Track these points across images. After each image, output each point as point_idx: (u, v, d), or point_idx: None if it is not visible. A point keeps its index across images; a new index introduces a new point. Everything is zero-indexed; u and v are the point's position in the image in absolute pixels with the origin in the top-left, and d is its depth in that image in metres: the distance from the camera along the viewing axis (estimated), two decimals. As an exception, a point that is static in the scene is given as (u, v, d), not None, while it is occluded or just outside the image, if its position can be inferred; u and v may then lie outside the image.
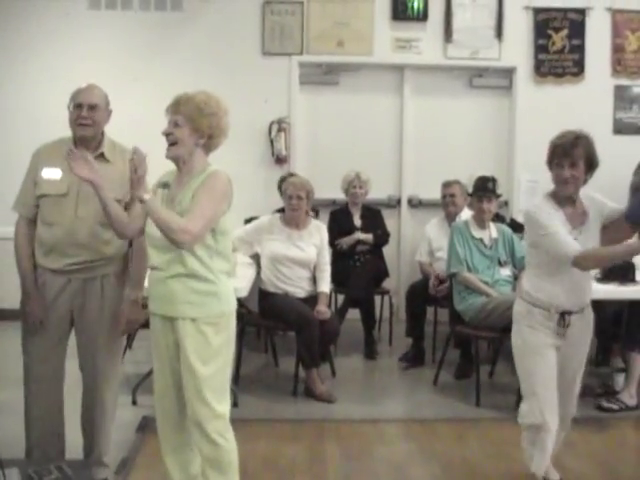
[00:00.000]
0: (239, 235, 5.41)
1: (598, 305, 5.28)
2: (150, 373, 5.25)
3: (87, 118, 3.49)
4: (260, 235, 5.52)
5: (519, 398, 4.90)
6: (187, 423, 3.24)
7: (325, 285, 5.49)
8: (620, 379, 5.27)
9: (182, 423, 3.27)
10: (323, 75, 7.44)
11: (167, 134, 3.19)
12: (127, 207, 3.54)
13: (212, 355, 3.13)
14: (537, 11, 7.40)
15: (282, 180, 6.08)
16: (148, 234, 3.18)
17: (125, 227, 3.32)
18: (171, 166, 3.29)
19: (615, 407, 5.06)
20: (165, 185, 3.27)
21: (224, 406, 3.20)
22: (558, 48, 7.45)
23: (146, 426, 4.62)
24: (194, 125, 3.16)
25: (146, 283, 3.45)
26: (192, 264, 3.09)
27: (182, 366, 3.14)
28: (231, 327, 3.24)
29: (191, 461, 3.32)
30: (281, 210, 5.80)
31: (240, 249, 5.44)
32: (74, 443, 3.73)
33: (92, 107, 3.50)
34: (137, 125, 6.65)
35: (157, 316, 3.21)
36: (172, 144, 3.18)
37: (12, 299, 7.06)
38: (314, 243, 5.54)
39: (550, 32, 7.43)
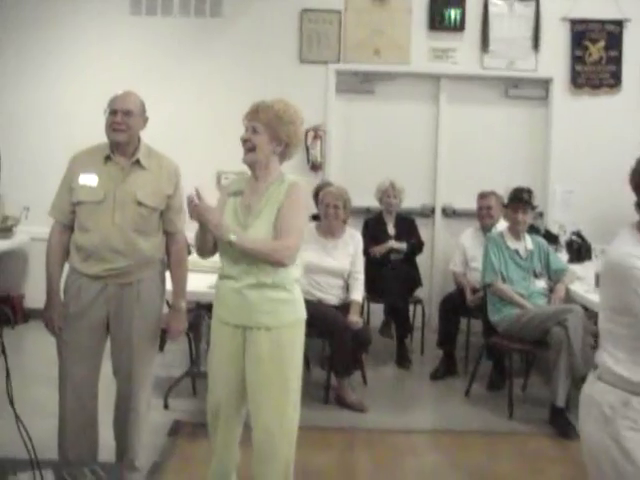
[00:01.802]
0: None
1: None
2: (182, 377, 5.33)
3: (121, 123, 3.51)
4: None
5: (553, 412, 4.90)
6: (238, 434, 3.36)
7: (358, 294, 5.46)
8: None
9: (236, 426, 3.37)
10: (359, 83, 7.45)
11: (245, 140, 3.24)
12: (162, 214, 3.61)
13: (285, 361, 3.19)
14: (574, 22, 7.34)
15: (319, 189, 6.07)
16: (226, 246, 3.18)
17: (209, 249, 3.35)
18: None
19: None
20: (237, 193, 3.31)
21: (295, 411, 3.26)
22: (595, 59, 7.39)
23: (178, 430, 4.66)
24: (273, 133, 3.22)
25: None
26: (270, 274, 3.15)
27: (252, 372, 3.19)
28: (302, 334, 3.30)
29: (236, 459, 3.43)
30: (316, 217, 5.79)
31: None
32: (106, 446, 3.76)
33: (126, 113, 3.53)
34: (175, 130, 6.74)
35: (228, 325, 3.24)
36: (249, 150, 3.23)
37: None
38: (348, 252, 5.52)
39: (587, 43, 7.38)
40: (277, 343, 3.17)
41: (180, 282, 3.73)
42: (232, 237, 3.06)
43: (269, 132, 3.21)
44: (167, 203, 3.62)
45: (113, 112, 3.54)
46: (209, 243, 3.28)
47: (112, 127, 3.53)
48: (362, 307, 6.07)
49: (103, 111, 3.59)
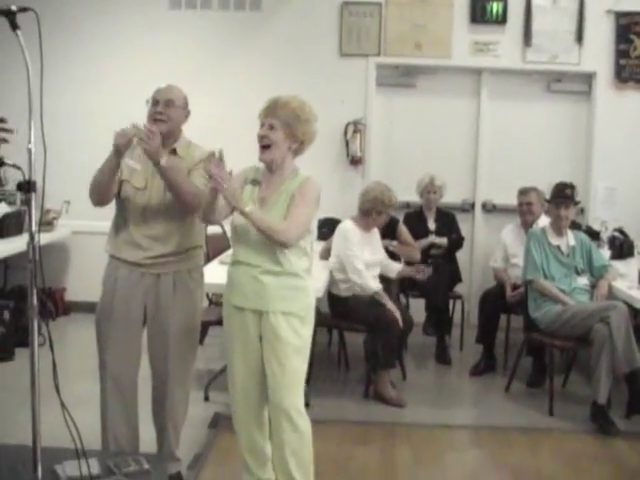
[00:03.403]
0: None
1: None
2: (223, 370, 5.34)
3: (162, 114, 3.52)
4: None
5: (594, 409, 4.85)
6: (266, 413, 3.43)
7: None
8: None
9: (261, 412, 3.44)
10: (400, 77, 7.41)
11: (262, 136, 3.29)
12: None
13: (301, 346, 3.31)
14: (619, 15, 7.22)
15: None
16: (241, 232, 3.29)
17: (213, 213, 3.32)
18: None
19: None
20: (255, 182, 3.39)
21: (302, 396, 3.35)
22: (640, 53, 7.29)
23: (218, 422, 4.68)
24: (289, 130, 3.27)
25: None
26: (284, 262, 3.25)
27: (269, 358, 3.28)
28: (313, 320, 3.42)
29: (265, 447, 3.49)
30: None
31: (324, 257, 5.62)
32: (147, 437, 3.79)
33: (168, 103, 3.54)
34: (214, 123, 6.76)
35: (245, 310, 3.31)
36: (265, 146, 3.28)
37: (87, 292, 7.25)
38: (379, 242, 5.57)
39: (632, 37, 7.26)
40: (293, 329, 3.27)
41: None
42: (247, 209, 3.12)
43: (285, 129, 3.26)
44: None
45: (155, 102, 3.56)
46: (215, 209, 3.27)
47: (153, 117, 3.54)
48: (400, 301, 6.14)
49: (145, 101, 3.60)
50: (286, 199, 3.27)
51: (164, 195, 3.52)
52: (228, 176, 3.12)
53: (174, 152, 3.58)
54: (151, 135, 3.32)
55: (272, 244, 3.19)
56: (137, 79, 6.88)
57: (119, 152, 3.39)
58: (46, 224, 6.76)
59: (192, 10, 7.32)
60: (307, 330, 3.35)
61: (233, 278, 3.38)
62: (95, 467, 2.66)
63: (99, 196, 3.54)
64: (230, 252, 5.85)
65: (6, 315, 5.86)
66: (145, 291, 3.60)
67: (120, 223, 3.62)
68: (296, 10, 7.27)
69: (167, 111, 3.54)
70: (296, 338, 3.27)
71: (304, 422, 3.32)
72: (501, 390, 5.53)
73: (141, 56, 7.26)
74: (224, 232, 6.36)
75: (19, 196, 6.72)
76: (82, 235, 7.26)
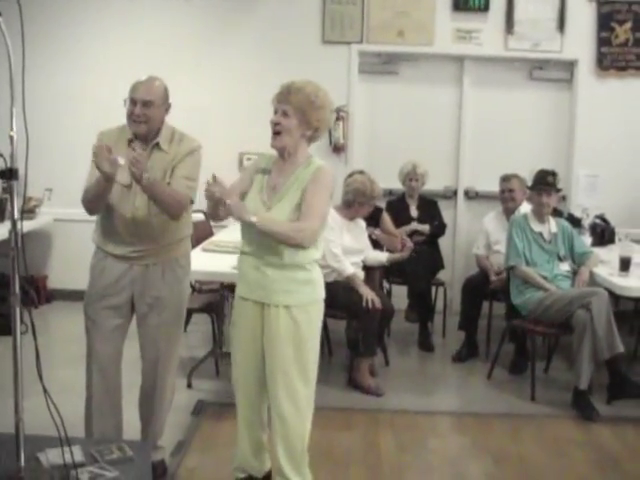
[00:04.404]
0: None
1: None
2: (205, 357, 5.36)
3: (140, 115, 3.45)
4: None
5: (576, 395, 4.90)
6: (264, 402, 3.38)
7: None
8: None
9: (259, 401, 3.40)
10: (382, 64, 7.40)
11: (275, 123, 3.20)
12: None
13: (302, 340, 3.22)
14: (601, 3, 7.23)
15: (350, 176, 5.89)
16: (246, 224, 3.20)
17: (219, 216, 3.26)
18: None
19: (674, 408, 4.97)
20: (265, 171, 3.31)
21: (309, 389, 3.29)
22: (621, 41, 7.30)
23: (201, 410, 4.70)
24: (303, 117, 3.18)
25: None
26: (289, 255, 3.17)
27: (269, 350, 3.23)
28: (320, 314, 3.33)
29: (261, 436, 3.46)
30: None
31: None
32: (129, 424, 3.79)
33: (146, 104, 3.45)
34: (198, 111, 6.73)
35: (248, 301, 3.28)
36: (277, 133, 3.19)
37: (70, 280, 7.24)
38: (363, 230, 5.58)
39: (614, 25, 7.28)
40: (294, 322, 3.20)
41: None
42: (253, 219, 3.05)
43: (299, 116, 3.17)
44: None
45: (133, 102, 3.47)
46: (220, 213, 3.20)
47: (131, 118, 3.48)
48: (383, 288, 6.16)
49: (123, 101, 3.51)
50: (298, 188, 3.18)
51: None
52: (228, 192, 3.06)
53: (158, 146, 3.55)
54: (135, 162, 3.25)
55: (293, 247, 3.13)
56: (119, 65, 6.86)
57: (109, 179, 3.33)
58: (28, 212, 6.73)
59: (175, -3, 7.28)
60: (312, 324, 3.26)
61: (239, 268, 3.36)
62: (78, 455, 2.65)
63: (93, 210, 3.53)
64: (212, 239, 5.90)
65: (-14, 303, 5.83)
66: (133, 280, 3.59)
67: (105, 218, 3.59)
68: (279, -3, 7.25)
69: (145, 112, 3.46)
70: (298, 331, 3.19)
71: (299, 418, 3.26)
72: (483, 376, 5.56)
73: (124, 42, 7.21)
74: (206, 219, 6.36)
75: (0, 184, 6.67)
76: (64, 223, 7.23)
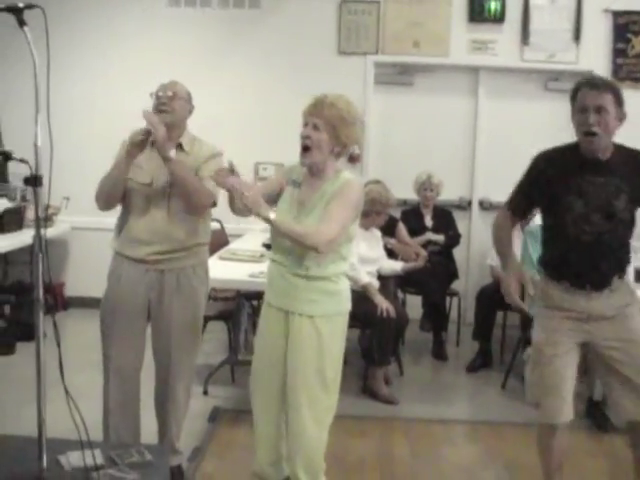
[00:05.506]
0: None
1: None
2: (222, 364, 5.40)
3: (165, 104, 3.56)
4: None
5: (589, 405, 4.90)
6: (282, 412, 3.32)
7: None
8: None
9: (277, 411, 3.34)
10: (398, 75, 7.45)
11: (305, 137, 3.13)
12: None
13: (325, 351, 3.18)
14: (617, 14, 7.26)
15: (365, 186, 5.92)
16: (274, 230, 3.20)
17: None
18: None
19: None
20: (295, 183, 3.27)
21: (330, 400, 3.26)
22: (637, 52, 7.31)
23: (217, 416, 4.74)
24: (334, 132, 3.11)
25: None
26: (312, 267, 3.14)
27: (291, 358, 3.21)
28: (345, 326, 3.32)
29: (279, 444, 3.39)
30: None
31: None
32: (148, 428, 3.83)
33: (171, 96, 3.58)
34: (213, 121, 6.76)
35: (273, 307, 3.27)
36: (306, 148, 3.13)
37: (86, 287, 7.29)
38: (378, 240, 5.62)
39: (630, 36, 7.30)
40: (318, 332, 3.17)
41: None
42: (272, 216, 2.99)
43: (330, 131, 3.10)
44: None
45: (158, 97, 3.60)
46: (236, 204, 3.14)
47: (157, 108, 3.58)
48: (397, 298, 6.17)
49: (149, 94, 3.62)
50: (325, 202, 3.13)
51: (168, 192, 3.56)
52: (247, 185, 3.00)
53: (180, 147, 3.62)
54: (155, 125, 3.36)
55: (304, 250, 3.08)
56: (135, 76, 6.91)
57: (132, 152, 3.43)
58: (46, 220, 6.78)
59: (191, 8, 7.34)
60: (335, 334, 3.24)
61: (269, 274, 3.35)
62: (99, 457, 2.68)
63: (107, 201, 3.61)
64: (229, 247, 5.94)
65: (7, 310, 5.90)
66: (149, 287, 3.63)
67: (124, 220, 3.66)
68: (295, 8, 7.29)
69: (171, 103, 3.58)
70: (321, 342, 3.17)
71: (317, 427, 3.22)
72: (497, 386, 5.59)
73: (140, 53, 7.28)
74: (222, 228, 6.42)
75: (19, 192, 6.74)
76: (81, 231, 7.30)
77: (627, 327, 3.40)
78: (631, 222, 3.39)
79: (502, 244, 3.66)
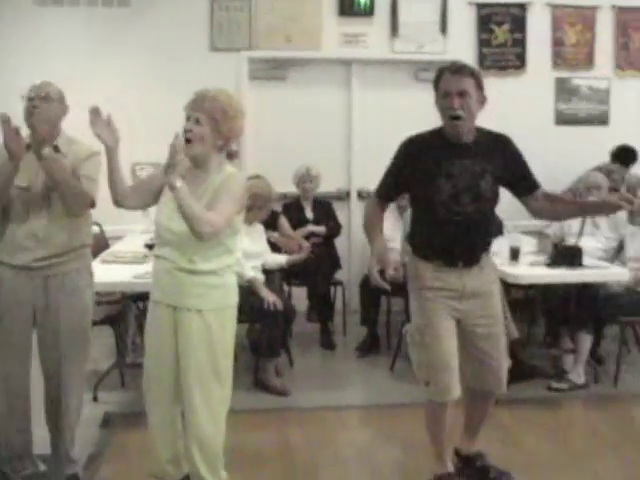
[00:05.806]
0: None
1: (548, 288, 5.51)
2: (110, 369, 5.31)
3: (38, 107, 3.49)
4: None
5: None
6: (178, 408, 3.36)
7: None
8: (569, 360, 5.45)
9: (172, 408, 3.37)
10: (272, 70, 7.47)
11: (187, 130, 3.18)
12: None
13: (215, 344, 3.23)
14: (480, 6, 7.55)
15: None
16: (165, 227, 3.22)
17: (126, 196, 3.33)
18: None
19: (565, 387, 5.26)
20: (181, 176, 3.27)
21: (224, 392, 3.32)
22: (500, 42, 7.62)
23: (109, 421, 4.67)
24: (215, 126, 3.17)
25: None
26: (198, 261, 3.18)
27: (183, 354, 3.23)
28: (234, 318, 3.36)
29: (176, 441, 3.42)
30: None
31: None
32: (39, 438, 3.75)
33: (44, 98, 3.51)
34: (87, 122, 6.62)
35: (161, 304, 3.28)
36: (189, 141, 3.16)
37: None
38: (262, 235, 5.69)
39: (493, 27, 7.60)
40: (207, 326, 3.22)
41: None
42: (178, 184, 3.02)
43: (212, 124, 3.16)
44: None
45: (30, 99, 3.52)
46: (119, 183, 3.30)
47: (29, 111, 3.50)
48: (283, 291, 6.22)
49: (20, 97, 3.54)
50: (210, 195, 3.18)
51: (47, 194, 3.49)
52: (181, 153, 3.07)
53: (56, 149, 3.54)
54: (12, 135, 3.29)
55: (191, 232, 3.06)
56: (3, 76, 6.67)
57: (16, 157, 3.34)
58: None
59: (59, 7, 7.10)
60: (225, 327, 3.29)
61: (153, 272, 3.36)
62: (-9, 471, 2.63)
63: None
64: (110, 250, 5.84)
65: None
66: (33, 293, 3.56)
67: (4, 224, 3.56)
68: (165, 5, 7.20)
69: (43, 105, 3.50)
70: (210, 335, 3.21)
71: (213, 422, 3.28)
72: (386, 369, 5.73)
73: (7, 53, 7.00)
74: (102, 231, 6.30)
75: None
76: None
77: (491, 304, 3.63)
78: (494, 200, 3.59)
79: (371, 230, 3.82)
